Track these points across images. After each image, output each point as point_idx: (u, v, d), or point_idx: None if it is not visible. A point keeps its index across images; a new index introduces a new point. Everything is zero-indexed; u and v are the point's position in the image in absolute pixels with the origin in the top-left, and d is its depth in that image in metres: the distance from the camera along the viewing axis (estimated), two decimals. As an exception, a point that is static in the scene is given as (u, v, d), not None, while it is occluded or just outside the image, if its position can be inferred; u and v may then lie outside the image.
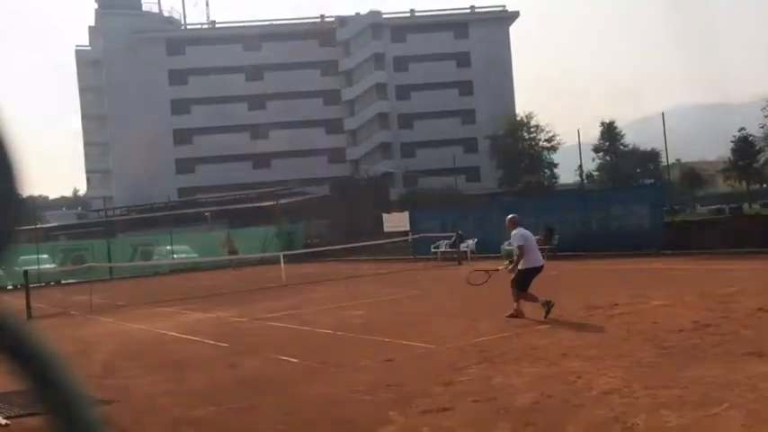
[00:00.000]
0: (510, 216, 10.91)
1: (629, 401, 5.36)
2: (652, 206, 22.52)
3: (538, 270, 10.44)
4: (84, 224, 56.16)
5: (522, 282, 10.26)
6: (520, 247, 10.42)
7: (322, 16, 67.78)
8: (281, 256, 22.81)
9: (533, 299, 10.12)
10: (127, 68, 64.28)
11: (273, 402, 6.35)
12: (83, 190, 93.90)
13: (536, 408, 5.44)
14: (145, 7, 70.40)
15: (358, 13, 65.96)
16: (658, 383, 5.80)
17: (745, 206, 47.38)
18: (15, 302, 16.89)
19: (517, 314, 10.08)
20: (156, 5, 71.74)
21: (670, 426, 4.74)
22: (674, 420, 4.82)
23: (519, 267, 10.34)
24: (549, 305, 9.90)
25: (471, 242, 27.14)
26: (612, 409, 5.21)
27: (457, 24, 65.94)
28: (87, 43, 76.94)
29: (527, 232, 10.64)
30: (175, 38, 65.79)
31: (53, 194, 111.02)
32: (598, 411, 5.19)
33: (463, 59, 64.93)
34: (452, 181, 47.79)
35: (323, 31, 65.21)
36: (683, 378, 5.91)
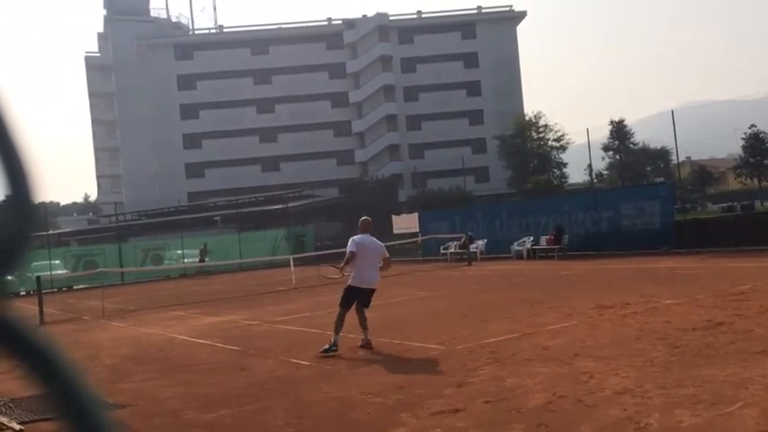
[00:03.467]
0: (362, 218, 9.50)
1: (643, 401, 5.33)
2: (663, 205, 22.41)
3: (361, 291, 8.90)
4: (96, 229, 56.49)
5: (343, 298, 9.02)
6: (350, 253, 8.91)
7: (329, 19, 67.88)
8: (291, 259, 22.85)
9: (336, 328, 8.66)
10: (136, 74, 64.69)
11: (284, 405, 6.36)
12: (94, 195, 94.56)
13: (548, 408, 5.41)
14: (153, 13, 70.87)
15: (365, 16, 66.07)
16: (671, 383, 5.76)
17: (757, 203, 47.05)
18: (28, 308, 17.00)
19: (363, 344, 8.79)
20: (164, 11, 72.30)
21: (684, 425, 4.71)
22: (687, 420, 4.79)
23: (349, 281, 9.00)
24: (330, 349, 8.52)
25: (481, 243, 27.11)
26: (625, 409, 5.18)
27: (464, 25, 65.87)
28: (96, 50, 77.55)
29: (364, 239, 9.02)
30: (183, 43, 66.09)
31: (65, 200, 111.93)
32: (611, 411, 5.16)
33: (471, 60, 64.87)
34: (461, 182, 47.76)
35: (330, 34, 65.36)
36: (696, 377, 5.87)
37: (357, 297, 8.98)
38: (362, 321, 8.93)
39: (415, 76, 64.47)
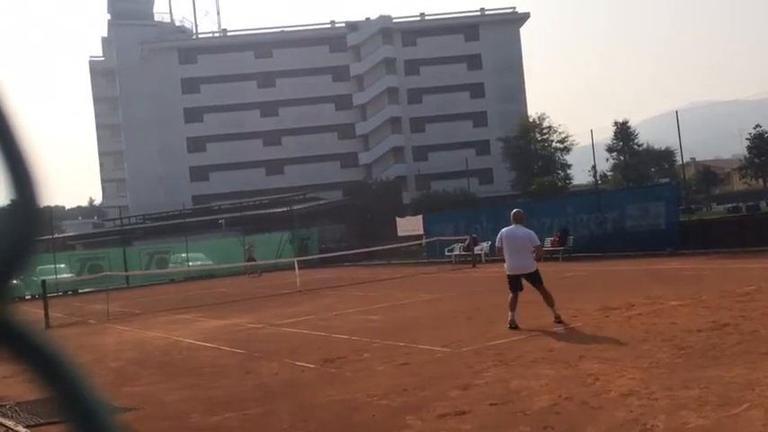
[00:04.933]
0: (513, 211, 10.26)
1: (648, 403, 5.31)
2: (667, 205, 22.35)
3: (514, 278, 9.62)
4: (101, 233, 56.64)
5: (509, 285, 9.73)
6: (497, 248, 10.14)
7: (332, 22, 68.02)
8: (296, 262, 22.85)
9: (510, 308, 9.47)
10: (140, 78, 64.88)
11: (290, 408, 6.36)
12: (99, 199, 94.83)
13: (554, 410, 5.40)
14: (156, 17, 71.10)
15: (368, 18, 66.15)
16: (677, 384, 5.75)
17: (763, 204, 46.90)
18: (34, 312, 17.06)
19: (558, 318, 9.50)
20: (168, 15, 72.51)
21: (690, 427, 4.69)
22: (694, 421, 4.77)
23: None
24: (511, 327, 9.29)
25: (485, 245, 27.06)
26: (631, 410, 5.16)
27: (467, 27, 65.93)
28: (100, 54, 77.84)
29: (509, 230, 9.83)
30: (187, 47, 66.28)
31: (69, 204, 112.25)
32: (617, 413, 5.15)
33: (474, 62, 64.89)
34: (465, 184, 47.75)
35: (333, 37, 65.46)
36: (702, 378, 5.85)
37: (518, 282, 9.62)
38: (546, 299, 9.59)
39: (419, 78, 64.52)
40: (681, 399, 5.32)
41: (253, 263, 30.78)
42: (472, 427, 5.21)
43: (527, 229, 9.88)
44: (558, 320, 9.45)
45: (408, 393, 6.40)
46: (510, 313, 9.43)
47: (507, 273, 9.77)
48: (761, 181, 52.76)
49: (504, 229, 9.94)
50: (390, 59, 64.03)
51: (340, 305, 15.12)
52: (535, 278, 9.66)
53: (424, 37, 65.31)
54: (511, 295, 9.56)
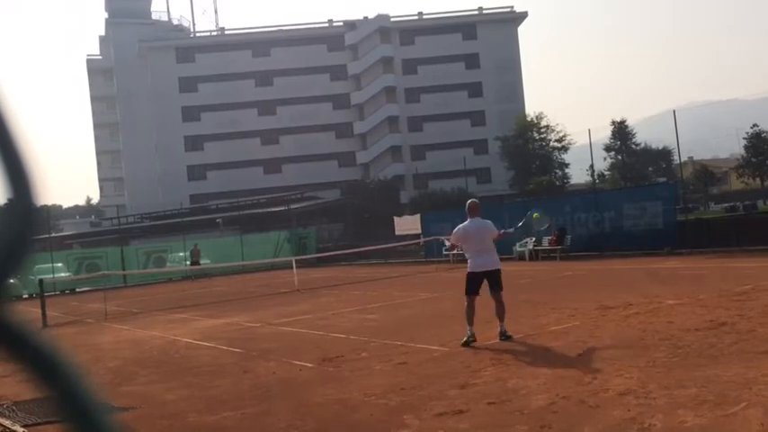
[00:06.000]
0: (469, 201, 9.31)
1: (646, 402, 5.32)
2: (665, 205, 22.36)
3: (477, 276, 8.73)
4: (98, 232, 56.60)
5: (465, 285, 8.81)
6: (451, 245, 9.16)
7: (330, 21, 67.99)
8: (294, 261, 22.85)
9: (468, 319, 8.53)
10: (137, 77, 64.83)
11: (287, 407, 6.36)
12: (96, 198, 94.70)
13: (551, 409, 5.41)
14: (154, 16, 71.07)
15: (366, 17, 66.13)
16: (675, 383, 5.75)
17: (760, 203, 46.96)
18: (31, 311, 17.03)
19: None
20: (166, 14, 72.45)
21: (687, 425, 4.70)
22: (691, 420, 4.78)
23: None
24: (468, 341, 8.41)
25: (483, 244, 27.05)
26: (629, 409, 5.17)
27: (465, 26, 65.94)
28: (98, 53, 77.73)
29: (474, 224, 8.88)
30: (185, 45, 66.22)
31: (67, 203, 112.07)
32: (614, 412, 5.15)
33: (472, 61, 64.91)
34: (463, 183, 47.77)
35: (331, 36, 65.44)
36: (699, 377, 5.86)
37: (480, 282, 8.76)
38: (498, 309, 8.66)
39: (417, 77, 64.53)
40: (678, 398, 5.33)
41: (198, 266, 30.14)
42: (470, 426, 5.21)
43: (485, 221, 9.00)
44: (505, 336, 8.58)
45: (406, 392, 6.40)
46: (469, 327, 8.51)
47: (472, 270, 8.78)
48: (758, 180, 52.79)
49: (463, 226, 8.94)
50: (388, 58, 64.03)
51: (338, 304, 15.12)
52: (497, 279, 8.70)
53: (422, 36, 65.31)
54: (467, 299, 8.68)
